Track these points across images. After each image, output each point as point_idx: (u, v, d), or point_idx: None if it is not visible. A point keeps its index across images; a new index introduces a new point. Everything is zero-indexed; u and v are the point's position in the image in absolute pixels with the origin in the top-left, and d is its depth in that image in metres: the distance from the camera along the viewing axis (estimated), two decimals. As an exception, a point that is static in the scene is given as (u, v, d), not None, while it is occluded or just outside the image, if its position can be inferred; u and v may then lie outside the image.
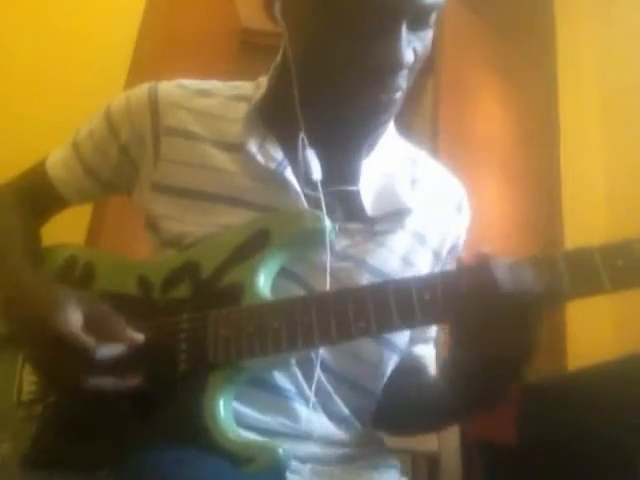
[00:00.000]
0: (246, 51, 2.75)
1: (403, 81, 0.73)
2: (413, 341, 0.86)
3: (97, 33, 2.11)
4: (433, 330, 0.90)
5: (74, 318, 0.67)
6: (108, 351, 0.66)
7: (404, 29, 0.69)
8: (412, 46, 0.72)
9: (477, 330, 0.62)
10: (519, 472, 1.47)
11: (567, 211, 2.35)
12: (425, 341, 0.89)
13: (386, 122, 0.82)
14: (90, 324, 0.67)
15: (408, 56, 0.71)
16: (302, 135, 0.77)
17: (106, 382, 0.66)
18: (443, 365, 0.77)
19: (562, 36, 2.59)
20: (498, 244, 2.24)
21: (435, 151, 2.31)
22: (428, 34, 0.74)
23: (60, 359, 0.66)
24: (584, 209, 2.33)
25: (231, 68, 2.55)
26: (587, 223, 2.26)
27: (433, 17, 0.73)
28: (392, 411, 0.84)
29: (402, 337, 0.81)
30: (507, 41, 2.61)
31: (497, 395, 0.71)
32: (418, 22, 0.71)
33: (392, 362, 0.80)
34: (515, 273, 0.60)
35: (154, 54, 2.10)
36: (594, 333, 2.12)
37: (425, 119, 2.63)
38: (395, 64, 0.70)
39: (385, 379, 0.80)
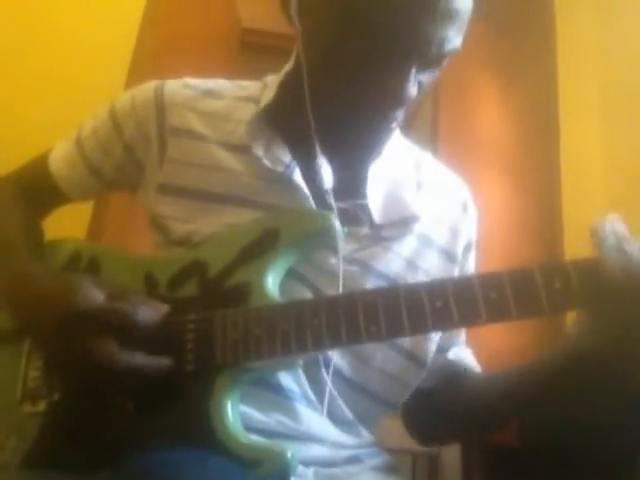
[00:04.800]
0: (246, 51, 2.75)
1: (400, 114, 0.75)
2: (445, 349, 0.86)
3: (97, 33, 2.11)
4: (463, 333, 0.91)
5: (96, 293, 0.65)
6: (146, 311, 0.64)
7: (413, 70, 0.70)
8: (418, 80, 0.72)
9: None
10: (519, 472, 1.47)
11: (567, 211, 2.35)
12: (458, 345, 0.89)
13: (384, 139, 0.82)
14: (113, 297, 0.65)
15: (411, 93, 0.71)
16: (317, 144, 0.77)
17: (137, 358, 0.63)
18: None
19: (562, 36, 2.59)
20: (497, 243, 2.24)
21: (435, 151, 2.31)
22: (437, 71, 0.75)
23: (89, 337, 0.63)
24: (584, 209, 2.32)
25: (231, 68, 2.55)
26: (586, 222, 2.26)
27: (445, 61, 0.73)
28: (445, 422, 0.84)
29: (428, 352, 0.80)
30: (507, 41, 2.61)
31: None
32: (429, 65, 0.72)
33: (417, 377, 0.80)
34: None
35: (154, 54, 2.09)
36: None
37: (425, 119, 2.63)
38: (395, 101, 0.72)
39: (409, 392, 0.80)
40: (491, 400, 0.79)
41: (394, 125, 0.76)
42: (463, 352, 0.89)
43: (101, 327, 0.63)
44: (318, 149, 0.77)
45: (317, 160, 0.77)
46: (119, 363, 0.62)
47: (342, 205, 0.77)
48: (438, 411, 0.85)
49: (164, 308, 0.67)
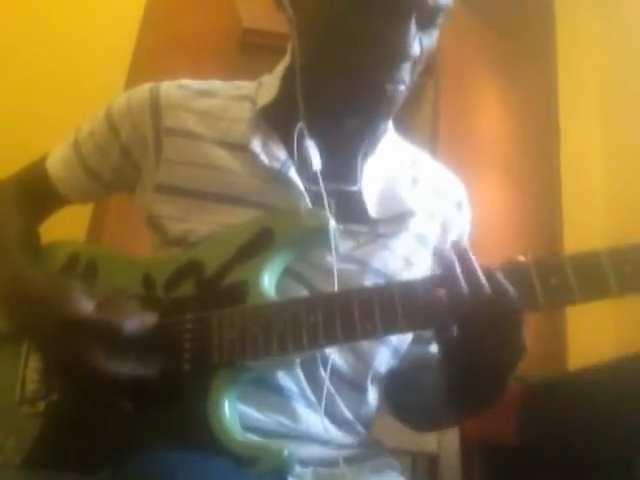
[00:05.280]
0: (246, 51, 2.74)
1: (407, 74, 0.74)
2: (425, 340, 0.86)
3: (97, 33, 2.11)
4: None
5: (86, 302, 0.65)
6: (132, 323, 0.64)
7: (413, 23, 0.71)
8: (419, 38, 0.73)
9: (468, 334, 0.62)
10: (519, 472, 1.47)
11: (567, 210, 2.36)
12: None
13: (386, 118, 0.82)
14: (103, 306, 0.66)
15: (415, 48, 0.72)
16: (300, 125, 0.77)
17: (125, 368, 0.64)
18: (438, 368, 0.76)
19: (562, 36, 2.59)
20: (497, 244, 2.24)
21: (435, 151, 2.31)
22: (435, 33, 0.76)
23: (79, 346, 0.64)
24: (583, 208, 2.33)
25: (231, 68, 2.55)
26: (586, 222, 2.26)
27: (440, 18, 0.74)
28: (412, 407, 0.84)
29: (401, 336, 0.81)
30: (507, 41, 2.61)
31: (490, 396, 0.69)
32: (426, 20, 0.73)
33: (386, 359, 0.80)
34: (491, 279, 0.60)
35: (154, 54, 2.09)
36: (595, 333, 2.12)
37: (425, 119, 2.63)
38: (402, 54, 0.72)
39: (374, 373, 0.80)
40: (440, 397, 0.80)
41: (402, 88, 0.75)
42: None
43: (90, 337, 0.64)
44: (306, 132, 0.77)
45: (305, 142, 0.77)
46: (107, 373, 0.63)
47: (332, 189, 0.77)
48: (401, 395, 0.85)
49: (153, 318, 0.68)
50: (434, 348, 0.87)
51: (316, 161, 0.77)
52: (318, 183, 0.76)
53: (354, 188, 0.80)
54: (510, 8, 2.59)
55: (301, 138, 0.78)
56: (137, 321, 0.66)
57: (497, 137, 2.54)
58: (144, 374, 0.65)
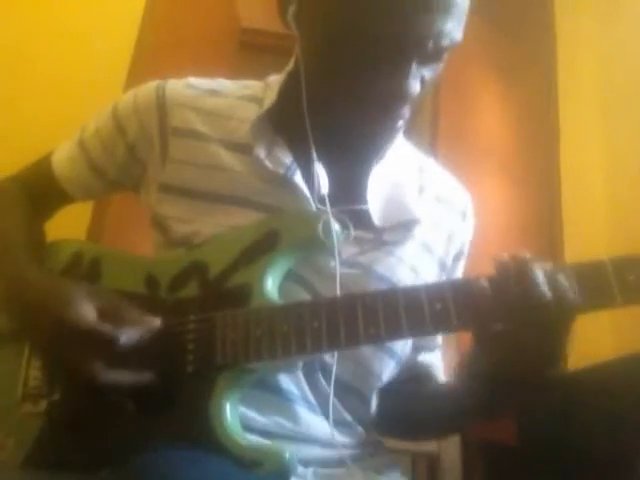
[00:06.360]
0: (246, 51, 2.75)
1: (406, 111, 0.73)
2: (418, 349, 0.86)
3: (97, 33, 2.11)
4: (439, 338, 0.90)
5: (88, 310, 0.65)
6: (130, 336, 0.64)
7: (414, 65, 0.69)
8: (421, 75, 0.71)
9: (498, 338, 0.62)
10: (519, 472, 1.47)
11: (567, 212, 2.36)
12: (431, 349, 0.89)
13: (390, 141, 0.82)
14: (105, 314, 0.66)
15: (414, 89, 0.70)
16: (313, 149, 0.76)
17: (123, 377, 0.64)
18: (464, 370, 0.75)
19: (562, 36, 2.59)
20: (497, 245, 2.24)
21: (434, 152, 2.31)
22: (439, 66, 0.73)
23: (77, 354, 0.64)
24: (584, 210, 2.33)
25: (231, 68, 2.54)
26: (586, 222, 2.26)
27: (445, 55, 0.72)
28: (400, 418, 0.84)
29: (403, 344, 0.81)
30: (507, 41, 2.61)
31: (515, 400, 0.70)
32: (429, 59, 0.71)
33: (389, 369, 0.80)
34: (551, 280, 0.60)
35: (154, 53, 2.10)
36: (593, 333, 2.12)
37: (425, 120, 2.63)
38: (399, 98, 0.70)
39: (379, 384, 0.80)
40: (441, 410, 0.81)
41: (400, 123, 0.75)
42: (434, 358, 0.90)
43: (89, 346, 0.64)
44: (315, 154, 0.77)
45: (314, 165, 0.77)
46: (105, 381, 0.63)
47: (341, 209, 0.76)
48: (393, 406, 0.85)
49: (155, 323, 0.67)
50: (422, 357, 0.88)
51: (324, 184, 0.76)
52: (324, 202, 0.75)
53: (362, 207, 0.79)
54: (510, 8, 2.59)
55: (307, 147, 0.77)
56: (137, 333, 0.65)
57: (497, 137, 2.54)
58: (144, 381, 0.65)
